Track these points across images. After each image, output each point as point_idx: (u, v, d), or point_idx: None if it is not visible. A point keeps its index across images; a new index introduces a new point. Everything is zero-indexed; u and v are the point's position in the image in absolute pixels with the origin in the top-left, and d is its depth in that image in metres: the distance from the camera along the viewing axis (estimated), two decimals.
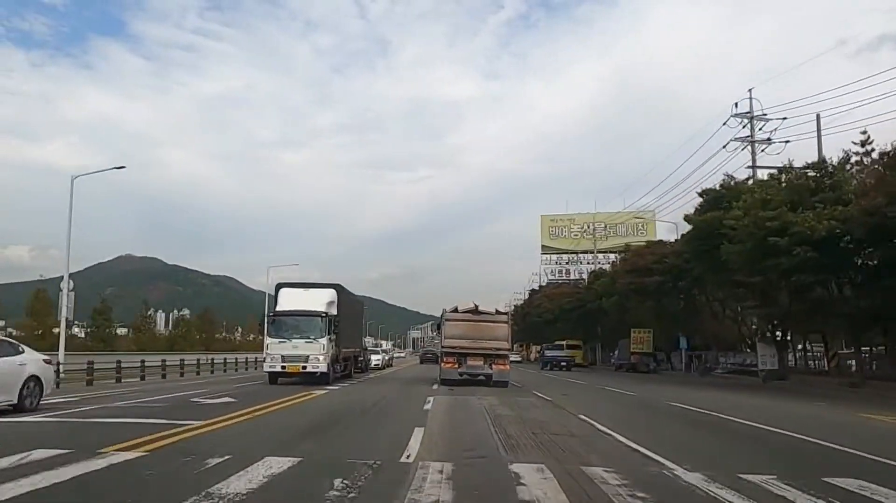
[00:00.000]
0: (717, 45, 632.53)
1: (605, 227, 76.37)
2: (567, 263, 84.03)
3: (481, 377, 21.52)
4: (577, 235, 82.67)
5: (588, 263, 79.39)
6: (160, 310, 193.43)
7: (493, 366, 21.26)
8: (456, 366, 21.42)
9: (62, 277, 25.47)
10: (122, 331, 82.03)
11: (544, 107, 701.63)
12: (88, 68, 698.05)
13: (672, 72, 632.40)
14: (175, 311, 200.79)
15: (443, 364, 22.10)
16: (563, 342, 54.96)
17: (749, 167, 32.48)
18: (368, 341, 51.83)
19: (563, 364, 45.03)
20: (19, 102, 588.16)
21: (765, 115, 32.18)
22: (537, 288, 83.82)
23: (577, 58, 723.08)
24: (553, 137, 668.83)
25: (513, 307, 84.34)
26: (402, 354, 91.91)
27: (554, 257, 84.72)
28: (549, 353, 50.12)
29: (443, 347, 22.22)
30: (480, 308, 22.17)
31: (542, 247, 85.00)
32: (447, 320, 22.29)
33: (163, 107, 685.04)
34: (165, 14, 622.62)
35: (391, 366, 48.17)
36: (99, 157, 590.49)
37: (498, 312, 23.14)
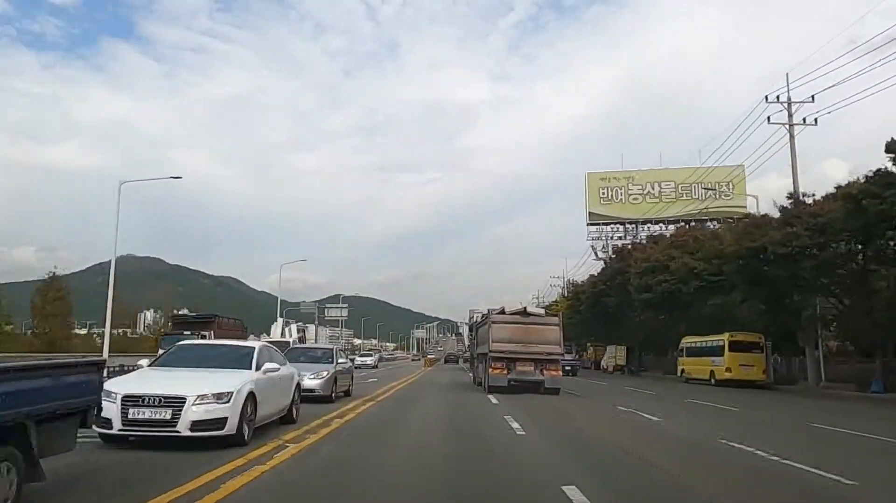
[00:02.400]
0: (729, 45, 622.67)
1: (677, 187, 60.77)
2: (621, 238, 62.21)
3: (532, 383, 20.29)
4: (637, 199, 63.01)
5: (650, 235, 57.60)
6: (159, 311, 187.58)
7: (545, 372, 20.25)
8: (504, 371, 20.29)
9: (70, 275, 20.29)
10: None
11: (555, 109, 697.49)
12: (99, 70, 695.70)
13: (684, 73, 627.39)
14: (175, 312, 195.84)
15: (490, 370, 20.70)
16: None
17: None
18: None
19: (567, 369, 38.52)
20: (30, 104, 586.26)
21: None
22: (617, 245, 58.15)
23: (588, 59, 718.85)
24: (564, 140, 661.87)
25: (562, 293, 70.53)
26: (370, 361, 54.47)
27: (607, 229, 64.11)
28: None
29: (490, 352, 20.75)
30: (529, 310, 21.56)
31: (589, 215, 63.74)
32: (494, 323, 20.98)
33: (173, 109, 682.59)
34: (176, 16, 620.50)
35: (348, 394, 17.45)
36: (108, 159, 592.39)
37: (549, 314, 22.71)
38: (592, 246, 62.72)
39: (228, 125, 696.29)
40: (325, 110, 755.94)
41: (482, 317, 24.42)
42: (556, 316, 22.52)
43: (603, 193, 64.25)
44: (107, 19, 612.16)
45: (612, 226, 63.69)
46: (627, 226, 62.76)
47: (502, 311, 21.35)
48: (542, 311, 22.37)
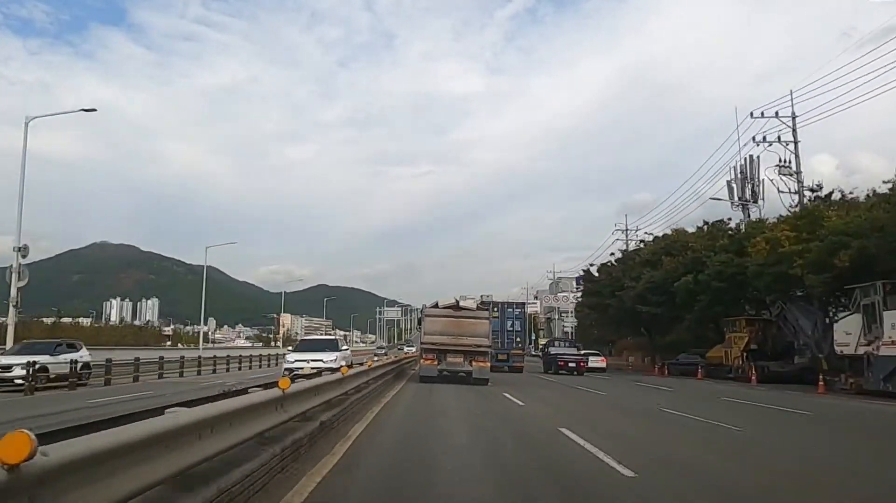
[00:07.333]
0: (727, 40, 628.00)
1: None
2: None
3: (461, 374, 21.45)
4: None
5: None
6: (127, 300, 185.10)
7: (473, 363, 21.18)
8: (435, 362, 21.46)
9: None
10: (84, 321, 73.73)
11: (551, 103, 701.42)
12: (88, 57, 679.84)
13: (681, 68, 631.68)
14: (143, 300, 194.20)
15: (422, 360, 22.17)
16: None
17: None
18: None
19: (570, 366, 34.40)
20: (17, 91, 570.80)
21: None
22: None
23: (585, 53, 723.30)
24: (559, 134, 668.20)
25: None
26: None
27: None
28: (553, 351, 37.92)
29: (422, 344, 22.29)
30: (461, 304, 22.51)
31: None
32: (427, 316, 22.42)
33: (164, 98, 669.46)
34: (168, 3, 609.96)
35: None
36: (97, 147, 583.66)
37: (479, 308, 23.34)
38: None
39: (219, 115, 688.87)
40: (319, 101, 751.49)
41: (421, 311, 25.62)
42: (486, 310, 23.49)
43: None
44: (97, 5, 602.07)
45: None
46: None
47: (436, 305, 22.38)
48: (474, 306, 22.94)
